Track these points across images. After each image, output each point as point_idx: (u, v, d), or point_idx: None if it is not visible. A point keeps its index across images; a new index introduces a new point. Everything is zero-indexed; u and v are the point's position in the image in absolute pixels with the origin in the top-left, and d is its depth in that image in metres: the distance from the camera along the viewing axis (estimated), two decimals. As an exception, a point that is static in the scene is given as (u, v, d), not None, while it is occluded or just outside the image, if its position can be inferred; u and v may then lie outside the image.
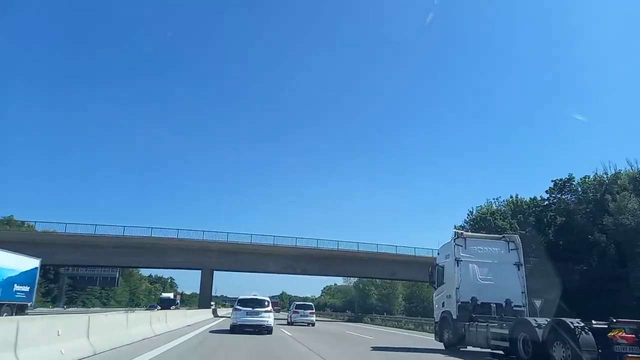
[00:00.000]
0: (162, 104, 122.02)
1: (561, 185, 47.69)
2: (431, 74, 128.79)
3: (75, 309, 58.47)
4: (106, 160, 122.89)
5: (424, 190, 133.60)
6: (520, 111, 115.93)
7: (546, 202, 50.26)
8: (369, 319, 41.75)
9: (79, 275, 68.24)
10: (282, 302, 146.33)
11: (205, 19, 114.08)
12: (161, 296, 62.41)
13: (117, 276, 69.58)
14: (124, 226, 38.14)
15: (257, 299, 19.00)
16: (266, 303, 18.53)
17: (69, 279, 69.58)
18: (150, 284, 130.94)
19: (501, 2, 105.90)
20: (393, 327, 32.97)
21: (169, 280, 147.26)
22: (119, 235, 37.71)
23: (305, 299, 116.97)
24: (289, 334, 18.88)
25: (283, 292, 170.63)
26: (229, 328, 18.18)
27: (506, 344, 10.74)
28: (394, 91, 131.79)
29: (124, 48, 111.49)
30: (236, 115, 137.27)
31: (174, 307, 36.72)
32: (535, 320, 10.05)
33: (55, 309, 50.25)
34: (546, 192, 49.26)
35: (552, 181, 48.26)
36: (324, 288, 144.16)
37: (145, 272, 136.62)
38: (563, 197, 48.35)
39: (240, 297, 19.21)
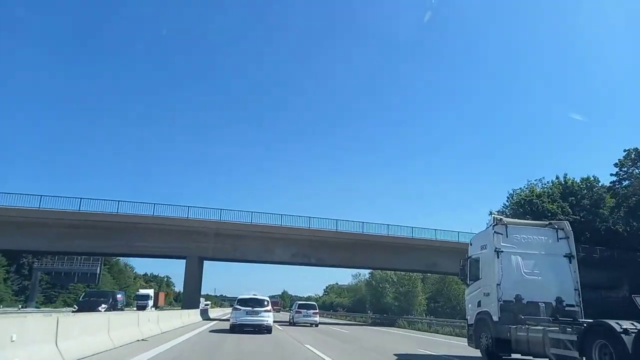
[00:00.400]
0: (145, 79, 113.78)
1: (635, 157, 38.18)
2: (430, 72, 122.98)
3: (48, 309, 48.78)
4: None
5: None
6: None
7: (615, 178, 40.74)
8: (404, 323, 32.21)
9: (54, 271, 58.76)
10: (283, 302, 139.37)
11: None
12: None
13: (98, 271, 59.88)
14: (81, 198, 28.26)
15: (256, 298, 19.32)
16: (265, 303, 18.81)
17: (46, 274, 60.14)
18: (146, 282, 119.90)
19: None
20: (452, 334, 23.55)
21: (165, 279, 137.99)
22: (74, 211, 28.05)
23: (308, 298, 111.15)
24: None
25: (284, 291, 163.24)
26: (228, 328, 18.40)
27: (574, 354, 8.60)
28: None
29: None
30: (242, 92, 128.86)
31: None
32: (618, 324, 7.78)
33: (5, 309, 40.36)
34: (615, 165, 39.82)
35: (624, 151, 38.76)
36: (327, 287, 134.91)
37: (140, 269, 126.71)
38: (636, 171, 38.91)
39: (240, 296, 19.68)
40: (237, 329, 17.68)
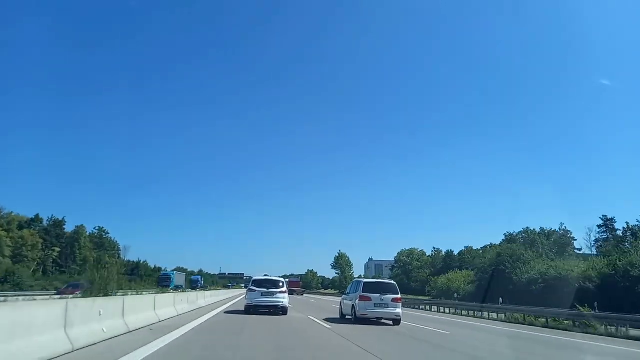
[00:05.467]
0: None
1: None
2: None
3: None
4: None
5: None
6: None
7: None
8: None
9: None
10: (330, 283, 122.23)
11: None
12: None
13: None
14: None
15: (272, 279, 19.97)
16: (281, 284, 19.22)
17: None
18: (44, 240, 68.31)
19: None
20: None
21: (111, 241, 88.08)
22: None
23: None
24: None
25: (309, 271, 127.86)
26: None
27: None
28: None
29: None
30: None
31: None
32: None
33: None
34: None
35: None
36: (403, 251, 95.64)
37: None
38: None
39: (255, 277, 20.33)
40: (252, 310, 18.36)
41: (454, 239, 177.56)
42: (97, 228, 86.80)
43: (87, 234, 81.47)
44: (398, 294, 17.63)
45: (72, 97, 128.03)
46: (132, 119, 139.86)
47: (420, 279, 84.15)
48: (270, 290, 18.45)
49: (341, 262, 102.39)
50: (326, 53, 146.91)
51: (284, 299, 18.57)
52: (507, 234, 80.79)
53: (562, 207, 77.08)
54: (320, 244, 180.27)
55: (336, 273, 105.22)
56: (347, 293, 19.67)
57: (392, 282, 19.60)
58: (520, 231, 76.27)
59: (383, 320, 17.43)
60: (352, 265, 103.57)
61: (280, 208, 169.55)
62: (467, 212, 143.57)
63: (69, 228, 76.21)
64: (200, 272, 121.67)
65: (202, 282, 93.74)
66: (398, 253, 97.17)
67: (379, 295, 16.96)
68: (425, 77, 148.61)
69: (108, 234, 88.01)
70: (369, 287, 17.52)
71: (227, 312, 19.75)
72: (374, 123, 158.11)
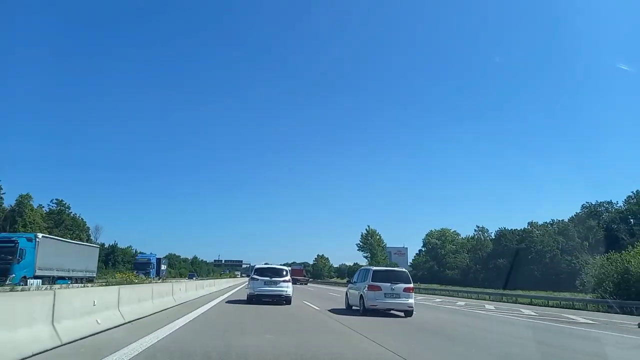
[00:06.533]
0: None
1: None
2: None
3: None
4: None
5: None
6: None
7: None
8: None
9: None
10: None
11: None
12: None
13: None
14: None
15: (275, 268, 19.48)
16: (284, 272, 18.80)
17: None
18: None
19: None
20: None
21: (75, 218, 69.95)
22: None
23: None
24: None
25: (320, 255, 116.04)
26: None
27: None
28: None
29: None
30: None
31: None
32: None
33: None
34: None
35: None
36: (432, 232, 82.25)
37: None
38: None
39: (257, 266, 19.86)
40: (254, 299, 18.01)
41: (472, 222, 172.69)
42: (54, 201, 67.90)
43: (44, 210, 65.24)
44: (410, 283, 16.30)
45: (58, 74, 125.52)
46: (125, 100, 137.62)
47: (458, 265, 69.11)
48: (274, 279, 18.02)
49: (371, 241, 79.93)
50: (331, 32, 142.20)
51: (287, 288, 18.14)
52: (587, 204, 66.09)
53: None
54: (327, 231, 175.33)
55: (364, 256, 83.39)
56: (354, 282, 18.41)
57: (404, 270, 18.78)
58: (607, 201, 66.99)
59: (391, 311, 16.03)
60: (384, 245, 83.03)
61: (285, 193, 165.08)
62: (481, 193, 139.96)
63: (10, 200, 59.00)
64: (190, 259, 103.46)
65: (165, 270, 65.04)
66: (427, 234, 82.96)
67: (389, 284, 15.61)
68: (433, 55, 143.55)
69: (69, 209, 69.32)
70: (379, 276, 16.12)
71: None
72: (381, 104, 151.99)
